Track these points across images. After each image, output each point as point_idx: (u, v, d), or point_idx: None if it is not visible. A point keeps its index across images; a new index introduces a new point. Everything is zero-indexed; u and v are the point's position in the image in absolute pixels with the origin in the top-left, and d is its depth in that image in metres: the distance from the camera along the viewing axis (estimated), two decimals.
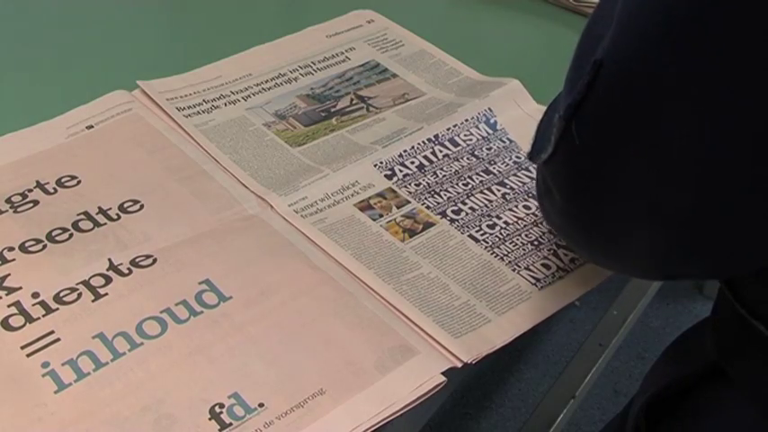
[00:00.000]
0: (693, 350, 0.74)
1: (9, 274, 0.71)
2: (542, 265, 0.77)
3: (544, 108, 0.92)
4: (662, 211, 0.52)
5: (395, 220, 0.80)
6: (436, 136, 0.89)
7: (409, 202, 0.82)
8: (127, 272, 0.72)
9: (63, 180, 0.80)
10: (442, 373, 0.66)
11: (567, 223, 0.61)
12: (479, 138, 0.90)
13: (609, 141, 0.52)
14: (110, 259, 0.73)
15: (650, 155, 0.50)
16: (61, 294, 0.69)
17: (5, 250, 0.73)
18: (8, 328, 0.67)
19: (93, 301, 0.69)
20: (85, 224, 0.76)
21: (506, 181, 0.85)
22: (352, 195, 0.82)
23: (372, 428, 0.63)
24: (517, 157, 0.89)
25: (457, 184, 0.84)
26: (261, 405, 0.63)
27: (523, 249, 0.78)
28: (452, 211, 0.81)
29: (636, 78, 0.49)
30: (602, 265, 0.67)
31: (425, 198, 0.82)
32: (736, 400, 0.65)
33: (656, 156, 0.50)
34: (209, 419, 0.62)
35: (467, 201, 0.83)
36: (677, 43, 0.46)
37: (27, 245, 0.73)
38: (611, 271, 0.71)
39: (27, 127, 0.86)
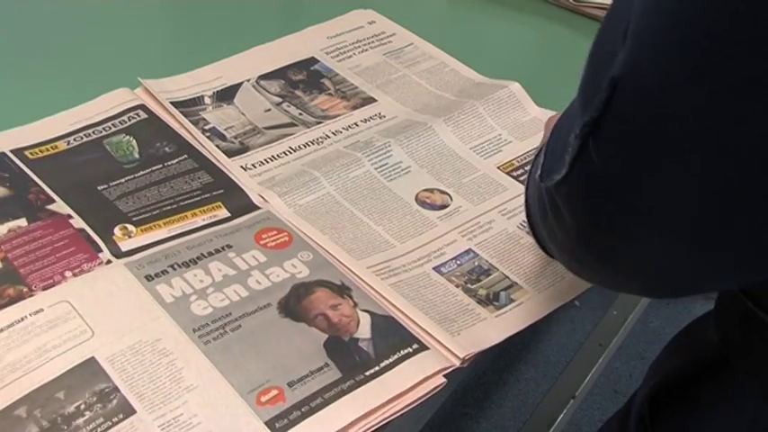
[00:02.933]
0: (696, 342, 0.74)
1: None
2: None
3: (545, 110, 0.93)
4: (679, 229, 0.51)
5: None
6: None
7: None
8: None
9: None
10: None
11: (577, 246, 0.58)
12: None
13: (627, 159, 0.50)
14: None
15: (669, 172, 0.49)
16: None
17: None
18: None
19: None
20: None
21: None
22: None
23: (375, 426, 0.64)
24: None
25: None
26: None
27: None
28: None
29: (655, 94, 0.48)
30: (611, 287, 0.64)
31: None
32: (740, 389, 0.65)
33: (675, 173, 0.49)
34: None
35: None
36: (697, 59, 0.45)
37: None
38: (620, 292, 0.69)
39: (30, 123, 0.86)
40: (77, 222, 0.76)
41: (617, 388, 1.78)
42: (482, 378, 1.77)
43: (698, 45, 0.45)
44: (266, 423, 0.62)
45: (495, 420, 1.72)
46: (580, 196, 0.54)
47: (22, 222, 0.75)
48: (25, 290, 0.69)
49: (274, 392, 0.64)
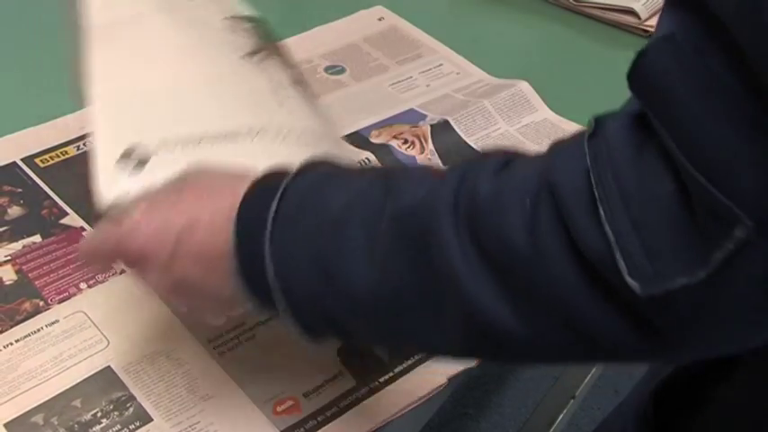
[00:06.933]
0: None
1: None
2: None
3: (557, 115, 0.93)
4: None
5: None
6: None
7: None
8: None
9: None
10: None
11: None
12: None
13: None
14: None
15: None
16: None
17: None
18: None
19: None
20: None
21: None
22: None
23: (376, 427, 0.64)
24: None
25: None
26: None
27: None
28: None
29: None
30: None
31: None
32: (747, 386, 0.65)
33: None
34: None
35: None
36: None
37: None
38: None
39: (38, 125, 0.86)
40: None
41: (617, 388, 1.77)
42: (482, 378, 1.77)
43: None
44: None
45: (495, 420, 1.72)
46: (724, 303, 0.43)
47: (37, 239, 0.75)
48: (41, 303, 0.70)
49: (290, 403, 0.64)
